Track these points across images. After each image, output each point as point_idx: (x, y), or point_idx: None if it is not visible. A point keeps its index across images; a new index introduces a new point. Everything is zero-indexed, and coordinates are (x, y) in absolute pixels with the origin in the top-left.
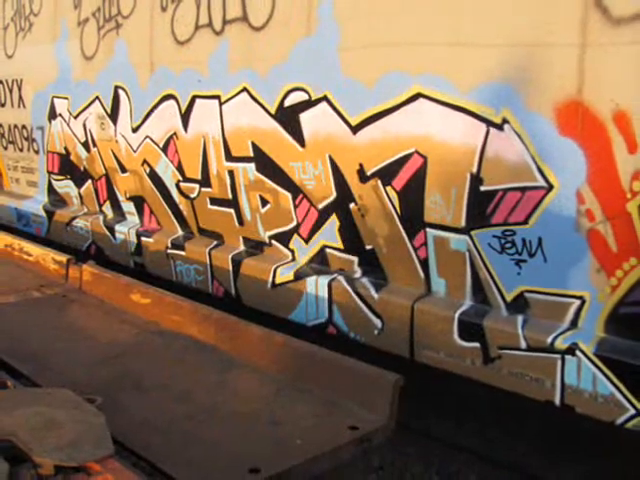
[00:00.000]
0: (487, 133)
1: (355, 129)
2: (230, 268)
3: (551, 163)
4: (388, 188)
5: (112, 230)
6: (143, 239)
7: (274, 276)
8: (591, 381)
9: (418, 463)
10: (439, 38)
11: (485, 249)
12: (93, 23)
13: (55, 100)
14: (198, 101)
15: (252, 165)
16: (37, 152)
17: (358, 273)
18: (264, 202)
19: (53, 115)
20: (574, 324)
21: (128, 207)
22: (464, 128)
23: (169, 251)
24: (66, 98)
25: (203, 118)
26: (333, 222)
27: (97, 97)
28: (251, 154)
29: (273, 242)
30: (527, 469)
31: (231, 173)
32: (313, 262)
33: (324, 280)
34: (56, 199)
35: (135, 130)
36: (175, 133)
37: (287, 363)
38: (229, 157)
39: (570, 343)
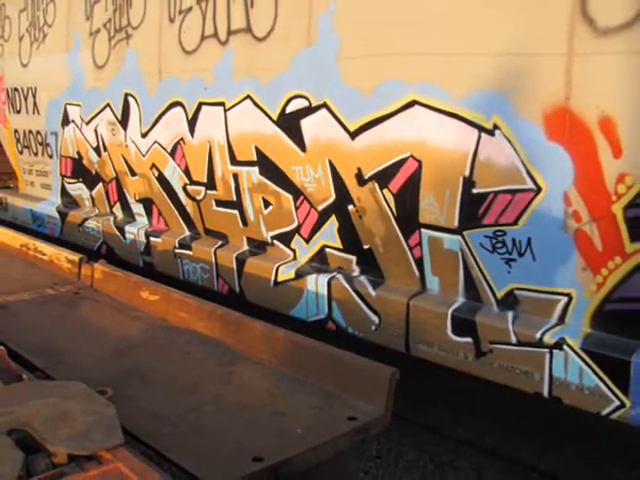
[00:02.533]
0: (479, 138)
1: (353, 134)
2: (234, 267)
3: (540, 167)
4: (385, 191)
5: (122, 231)
6: (152, 239)
7: (276, 274)
8: (578, 374)
9: (413, 451)
10: (434, 48)
11: (477, 249)
12: (104, 34)
13: (68, 107)
14: (204, 108)
15: (255, 169)
16: (51, 156)
17: (356, 272)
18: (267, 204)
19: (66, 121)
20: (562, 320)
21: (137, 209)
22: (457, 134)
23: (176, 251)
24: (78, 105)
25: (209, 124)
26: (332, 223)
27: (108, 104)
28: (254, 158)
29: (275, 242)
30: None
31: (235, 176)
32: (313, 261)
33: (324, 278)
34: (69, 201)
35: (144, 135)
36: (182, 138)
37: (288, 357)
38: (233, 161)
39: (558, 338)
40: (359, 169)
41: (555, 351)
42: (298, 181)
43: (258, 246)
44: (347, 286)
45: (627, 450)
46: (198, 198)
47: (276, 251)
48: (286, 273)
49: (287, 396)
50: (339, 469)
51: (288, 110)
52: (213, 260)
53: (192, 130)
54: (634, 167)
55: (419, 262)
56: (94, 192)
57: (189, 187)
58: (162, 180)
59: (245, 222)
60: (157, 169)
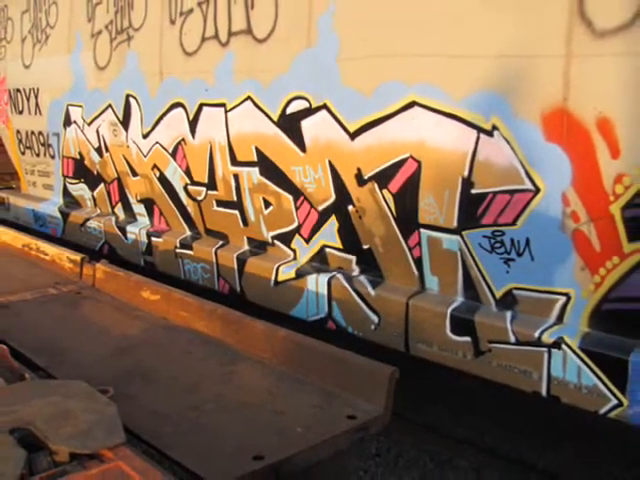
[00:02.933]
0: (478, 139)
1: (353, 135)
2: (235, 266)
3: (538, 167)
4: (384, 191)
5: (124, 231)
6: (153, 239)
7: (277, 274)
8: (576, 373)
9: (413, 450)
10: (433, 49)
11: (476, 249)
12: (106, 35)
13: (70, 108)
14: (205, 109)
15: (256, 169)
16: (53, 157)
17: (356, 271)
18: (267, 204)
19: (68, 122)
20: (560, 319)
21: (139, 209)
22: (456, 134)
23: (178, 250)
24: (80, 106)
25: (210, 125)
26: (332, 223)
27: (109, 105)
28: (255, 159)
29: (275, 242)
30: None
31: (236, 177)
32: (313, 261)
33: (324, 278)
34: (71, 201)
35: (145, 136)
36: (183, 139)
37: (289, 356)
38: (234, 162)
39: (556, 337)
40: (359, 169)
41: (553, 350)
42: (298, 181)
43: (259, 246)
44: (347, 286)
45: (625, 449)
46: (199, 198)
47: (276, 251)
48: (286, 273)
49: (287, 395)
50: (339, 468)
51: (288, 111)
52: (214, 260)
53: (193, 131)
54: (632, 167)
55: (418, 262)
56: (96, 192)
57: (190, 187)
58: (163, 180)
59: (246, 222)
60: (158, 169)
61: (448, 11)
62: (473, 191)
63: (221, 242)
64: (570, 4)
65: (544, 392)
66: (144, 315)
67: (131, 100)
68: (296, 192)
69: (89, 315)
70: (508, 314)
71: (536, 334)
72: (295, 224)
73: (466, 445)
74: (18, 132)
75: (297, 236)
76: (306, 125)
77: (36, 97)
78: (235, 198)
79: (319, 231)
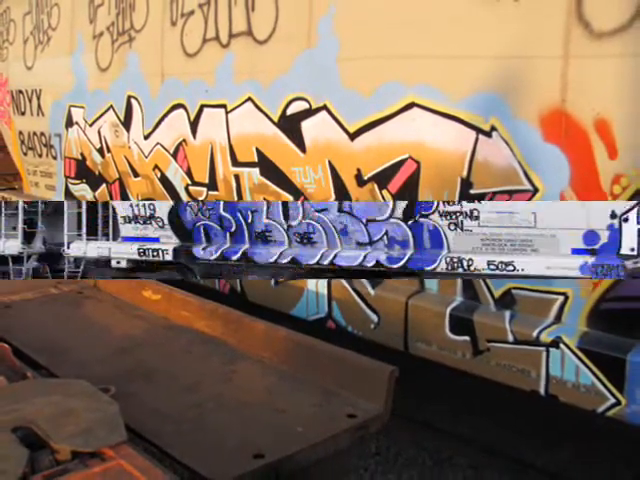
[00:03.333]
0: (476, 140)
1: (353, 136)
2: None
3: (536, 168)
4: (384, 191)
5: None
6: None
7: None
8: (574, 372)
9: (412, 449)
10: (433, 50)
11: None
12: (107, 37)
13: (72, 109)
14: (206, 110)
15: (256, 170)
16: (55, 158)
17: None
18: None
19: (70, 123)
20: (558, 319)
21: None
22: (455, 135)
23: None
24: (82, 107)
25: (210, 126)
26: None
27: (111, 106)
28: (255, 159)
29: None
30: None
31: (237, 177)
32: None
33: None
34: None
35: (147, 137)
36: (184, 140)
37: (289, 355)
38: (235, 162)
39: (554, 337)
40: (358, 170)
41: (552, 349)
42: (298, 182)
43: None
44: (347, 285)
45: (625, 448)
46: (200, 199)
47: None
48: None
49: (287, 394)
50: (339, 466)
51: (289, 112)
52: None
53: (194, 132)
54: (629, 168)
55: None
56: (97, 193)
57: (191, 188)
58: (164, 181)
59: None
60: (159, 170)
61: (447, 12)
62: (472, 191)
63: None
64: (568, 5)
65: (542, 391)
66: (145, 315)
67: (132, 101)
68: (296, 192)
69: (90, 314)
70: (507, 314)
71: (534, 333)
72: None
73: (465, 443)
74: (20, 133)
75: None
76: (306, 126)
77: (38, 98)
78: (236, 198)
79: None
